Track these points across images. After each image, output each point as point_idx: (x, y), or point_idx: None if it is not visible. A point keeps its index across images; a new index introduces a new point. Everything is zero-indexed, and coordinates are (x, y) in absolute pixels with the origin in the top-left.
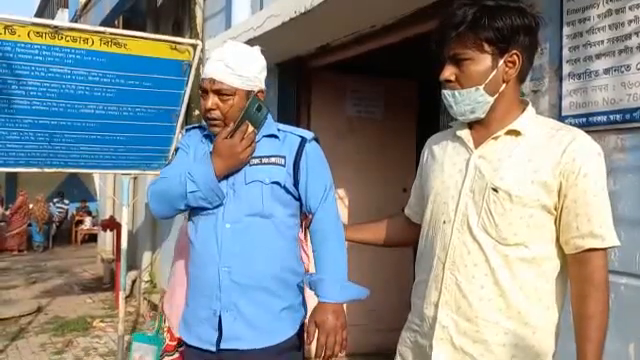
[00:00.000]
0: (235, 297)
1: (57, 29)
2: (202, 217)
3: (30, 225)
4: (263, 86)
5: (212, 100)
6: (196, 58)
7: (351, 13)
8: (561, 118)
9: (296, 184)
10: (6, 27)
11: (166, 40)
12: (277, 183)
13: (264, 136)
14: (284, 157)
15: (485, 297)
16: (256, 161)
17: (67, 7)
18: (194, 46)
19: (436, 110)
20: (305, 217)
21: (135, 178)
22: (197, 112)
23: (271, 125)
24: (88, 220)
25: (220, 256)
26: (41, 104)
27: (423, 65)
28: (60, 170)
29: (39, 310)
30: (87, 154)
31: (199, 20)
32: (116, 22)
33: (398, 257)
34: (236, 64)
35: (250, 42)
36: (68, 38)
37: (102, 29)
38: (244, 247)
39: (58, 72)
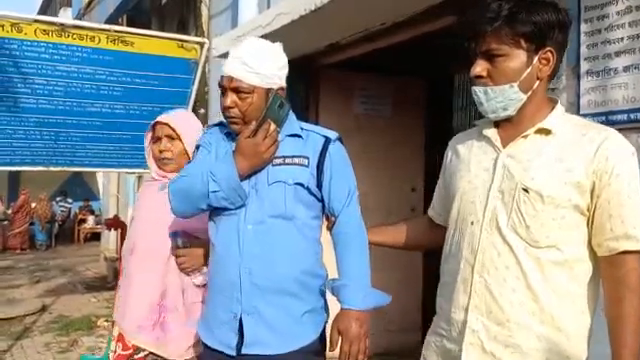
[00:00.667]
0: (256, 300)
1: (64, 27)
2: (223, 217)
3: (33, 224)
4: (284, 83)
5: (230, 98)
6: (203, 56)
7: (361, 10)
8: (580, 116)
9: (319, 185)
10: (13, 25)
11: (173, 38)
12: (300, 184)
13: (287, 135)
14: (308, 158)
15: (517, 301)
16: (279, 161)
17: (70, 6)
18: (201, 44)
19: (445, 109)
20: (327, 219)
21: (140, 177)
22: (202, 111)
23: (294, 124)
24: (91, 219)
25: (241, 257)
26: (47, 102)
27: (432, 63)
28: (66, 169)
29: (43, 309)
30: (93, 153)
31: (205, 18)
32: (120, 21)
33: (408, 258)
34: (254, 61)
35: None
36: (75, 36)
37: (109, 27)
38: (266, 249)
39: (64, 70)
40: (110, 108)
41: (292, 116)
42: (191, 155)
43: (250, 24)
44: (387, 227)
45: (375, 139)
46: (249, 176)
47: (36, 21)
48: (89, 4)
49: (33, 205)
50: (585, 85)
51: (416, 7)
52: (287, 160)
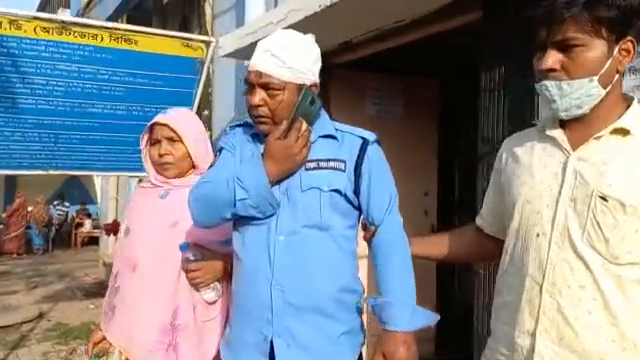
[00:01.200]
0: (288, 320)
1: (65, 24)
2: (251, 228)
3: (29, 228)
4: (317, 79)
5: (259, 95)
6: (209, 56)
7: (377, 7)
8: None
9: (357, 192)
10: (11, 22)
11: (178, 37)
12: (337, 191)
13: (320, 136)
14: (344, 161)
15: (594, 325)
16: (313, 165)
17: (68, 7)
18: (207, 43)
19: (459, 110)
20: (364, 228)
21: (140, 180)
22: (206, 112)
23: (327, 124)
24: (88, 223)
25: (273, 273)
26: (47, 103)
27: (445, 63)
28: (65, 173)
29: (41, 316)
30: (94, 155)
31: (208, 18)
32: (119, 21)
33: (419, 262)
34: (286, 55)
35: None
36: (76, 34)
37: (112, 24)
38: (300, 263)
39: (65, 69)
40: (112, 109)
41: (324, 115)
42: (195, 158)
43: (260, 21)
44: (430, 238)
45: (387, 140)
46: (279, 181)
47: (36, 18)
48: (88, 4)
49: (30, 208)
50: None
51: (436, 3)
52: (321, 164)
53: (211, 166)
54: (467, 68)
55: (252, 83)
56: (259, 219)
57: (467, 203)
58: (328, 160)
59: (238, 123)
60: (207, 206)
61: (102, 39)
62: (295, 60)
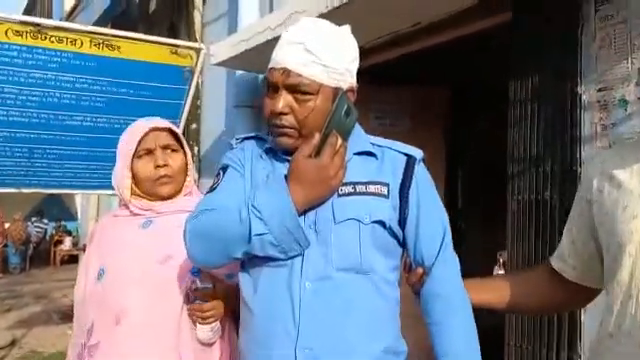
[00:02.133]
0: None
1: (40, 28)
2: (267, 270)
3: (6, 246)
4: (355, 82)
5: (284, 100)
6: (199, 64)
7: (395, 6)
8: None
9: (402, 223)
10: None
11: (165, 43)
12: (380, 223)
13: (355, 153)
14: (387, 185)
15: None
16: (348, 189)
17: (51, 17)
18: (197, 50)
19: (471, 121)
20: (406, 270)
21: None
22: (194, 125)
23: (362, 137)
24: (68, 240)
25: (298, 331)
26: (20, 115)
27: (458, 71)
28: (40, 191)
29: (13, 343)
30: (72, 172)
31: (197, 25)
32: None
33: None
34: (322, 49)
35: (266, 44)
36: (53, 38)
37: (93, 29)
38: (334, 318)
39: (40, 78)
40: (92, 121)
41: (358, 127)
42: (191, 173)
43: (256, 26)
44: (488, 282)
45: None
46: (305, 212)
47: (7, 20)
48: (71, 13)
49: (7, 226)
50: None
51: (459, 4)
52: (359, 188)
53: (212, 189)
54: (481, 76)
55: (275, 84)
56: (279, 260)
57: (472, 214)
58: (367, 183)
59: (247, 135)
60: (211, 243)
61: (82, 45)
62: (332, 57)
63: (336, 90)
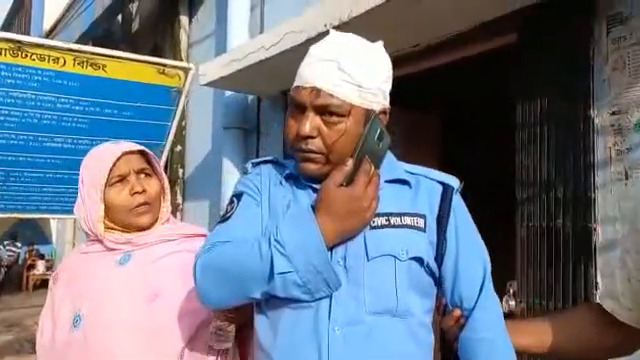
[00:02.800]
0: None
1: (21, 45)
2: (288, 312)
3: None
4: (388, 104)
5: (312, 122)
6: (187, 84)
7: (396, 26)
8: None
9: (438, 260)
10: None
11: (153, 62)
12: (418, 260)
13: (387, 181)
14: (423, 216)
15: None
16: (381, 221)
17: (29, 34)
18: (185, 70)
19: (464, 147)
20: (443, 313)
21: None
22: (179, 148)
23: (394, 164)
24: (41, 264)
25: None
26: None
27: (454, 96)
28: (16, 216)
29: None
30: (51, 196)
31: (184, 45)
32: None
33: None
34: (356, 67)
35: (260, 64)
36: (34, 56)
37: (77, 47)
38: None
39: (20, 97)
40: (73, 143)
41: (389, 152)
42: (167, 198)
43: (248, 46)
44: (527, 324)
45: None
46: (333, 246)
47: None
48: (50, 32)
49: None
50: None
51: (461, 26)
52: (393, 220)
53: (225, 219)
54: (478, 100)
55: (303, 104)
56: (303, 301)
57: None
58: (402, 215)
59: (265, 159)
60: (225, 280)
61: (65, 63)
62: (366, 76)
63: (368, 112)
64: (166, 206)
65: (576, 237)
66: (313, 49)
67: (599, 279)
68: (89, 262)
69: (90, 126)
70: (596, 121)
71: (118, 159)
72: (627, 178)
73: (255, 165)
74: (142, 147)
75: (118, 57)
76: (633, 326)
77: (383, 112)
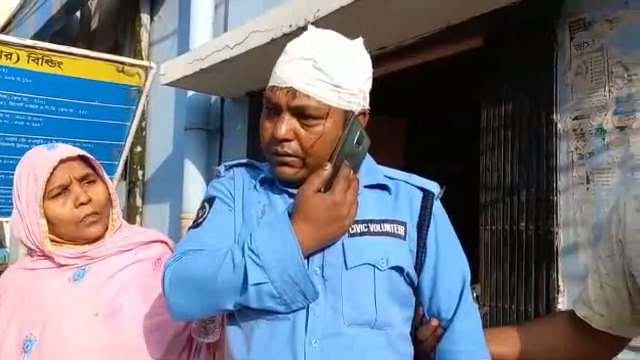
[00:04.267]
0: None
1: None
2: (263, 324)
3: None
4: (367, 104)
5: (288, 124)
6: (148, 83)
7: (362, 28)
8: None
9: (417, 269)
10: None
11: (112, 60)
12: (398, 269)
13: (366, 186)
14: (404, 224)
15: None
16: (360, 228)
17: None
18: (146, 69)
19: (427, 151)
20: (420, 323)
21: None
22: (139, 149)
23: (374, 169)
24: None
25: None
26: None
27: (415, 101)
28: None
29: None
30: (4, 198)
31: (145, 44)
32: None
33: None
34: (334, 68)
35: (222, 65)
36: None
37: (32, 43)
38: None
39: None
40: (27, 143)
41: (368, 156)
42: (115, 204)
43: (211, 45)
44: (503, 332)
45: None
46: (310, 254)
47: None
48: (3, 28)
49: None
50: None
51: (429, 28)
52: (373, 227)
53: (196, 225)
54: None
55: (278, 105)
56: (277, 313)
57: None
58: (382, 222)
59: (239, 162)
60: (196, 291)
61: (18, 59)
62: (345, 76)
63: (347, 113)
64: (116, 212)
65: (538, 240)
66: (290, 46)
67: (560, 282)
68: (37, 280)
69: (45, 125)
70: (559, 126)
71: (55, 168)
72: (588, 182)
73: (228, 168)
74: (81, 151)
75: (75, 54)
76: (607, 332)
77: (362, 113)
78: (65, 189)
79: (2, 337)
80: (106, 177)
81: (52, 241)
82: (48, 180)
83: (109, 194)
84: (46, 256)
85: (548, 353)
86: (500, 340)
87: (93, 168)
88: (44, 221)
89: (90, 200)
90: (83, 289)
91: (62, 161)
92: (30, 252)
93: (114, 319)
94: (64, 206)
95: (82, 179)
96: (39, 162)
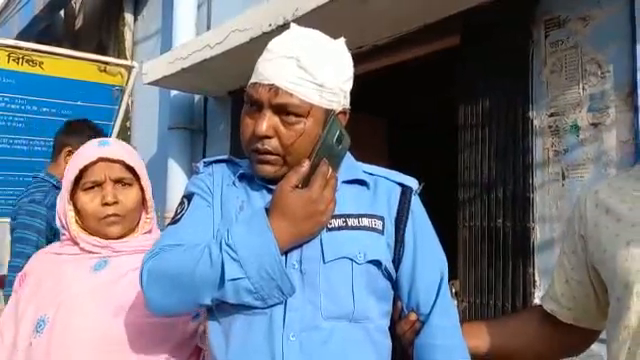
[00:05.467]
0: None
1: None
2: (241, 318)
3: None
4: (347, 103)
5: (269, 121)
6: (130, 83)
7: (338, 29)
8: (638, 158)
9: (396, 262)
10: None
11: (93, 60)
12: (376, 263)
13: (344, 182)
14: (382, 218)
15: None
16: (338, 222)
17: None
18: (128, 68)
19: (406, 150)
20: (399, 317)
21: None
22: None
23: (353, 165)
24: None
25: None
26: None
27: (394, 100)
28: None
29: None
30: None
31: (128, 44)
32: None
33: None
34: (316, 66)
35: (203, 64)
36: None
37: (13, 42)
38: None
39: None
40: (9, 143)
41: (348, 154)
42: (150, 210)
43: (193, 44)
44: (477, 326)
45: None
46: (289, 250)
47: None
48: None
49: None
50: None
51: (404, 28)
52: (351, 221)
53: (174, 221)
54: (420, 102)
55: (260, 102)
56: (255, 308)
57: None
58: (360, 216)
59: (217, 158)
60: (173, 287)
61: None
62: (327, 75)
63: (327, 112)
64: (150, 217)
65: (515, 236)
66: (272, 44)
67: (537, 277)
68: (61, 264)
69: (27, 125)
70: (535, 122)
71: (95, 163)
72: (564, 178)
73: (207, 165)
74: (124, 158)
75: (56, 54)
76: (576, 325)
77: (343, 112)
78: (98, 185)
79: (21, 315)
80: (146, 184)
81: (83, 229)
82: (85, 173)
83: (144, 199)
84: (73, 242)
85: (523, 346)
86: (477, 334)
87: (134, 172)
88: (70, 207)
89: (117, 202)
90: (100, 281)
91: (102, 159)
92: (60, 237)
93: (123, 314)
94: (92, 201)
95: (117, 180)
96: (83, 154)
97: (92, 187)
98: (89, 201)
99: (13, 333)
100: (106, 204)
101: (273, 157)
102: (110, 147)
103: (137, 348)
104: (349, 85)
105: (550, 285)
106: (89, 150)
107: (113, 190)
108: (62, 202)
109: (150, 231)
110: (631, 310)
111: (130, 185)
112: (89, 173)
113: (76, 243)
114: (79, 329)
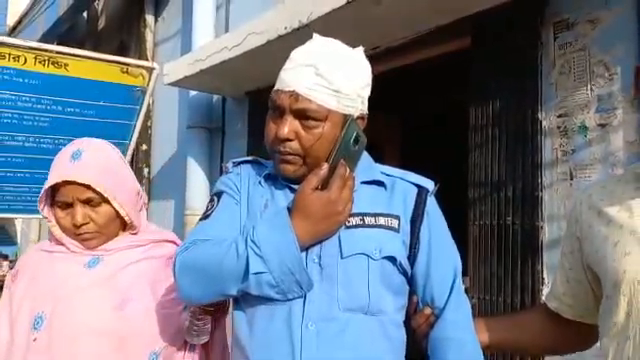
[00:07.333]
0: None
1: None
2: (264, 308)
3: None
4: (366, 110)
5: (290, 125)
6: (152, 84)
7: (354, 30)
8: None
9: (411, 260)
10: None
11: (115, 61)
12: (391, 259)
13: (363, 182)
14: (397, 217)
15: None
16: (356, 220)
17: None
18: (149, 69)
19: (420, 149)
20: (414, 311)
21: None
22: (145, 147)
23: (371, 166)
24: (5, 265)
25: None
26: None
27: (408, 100)
28: None
29: None
30: (12, 196)
31: (149, 45)
32: None
33: None
34: (334, 74)
35: (221, 66)
36: None
37: (38, 45)
38: None
39: None
40: (35, 142)
41: (366, 154)
42: (129, 218)
43: (212, 46)
44: (486, 322)
45: None
46: (309, 246)
47: None
48: (13, 29)
49: None
50: None
51: (418, 29)
52: (368, 220)
53: (205, 217)
54: (434, 102)
55: (282, 107)
56: (277, 299)
57: None
58: (376, 215)
59: (245, 159)
60: (203, 278)
61: (26, 61)
62: (344, 82)
63: (345, 117)
64: (138, 221)
65: (524, 235)
66: (294, 53)
67: (545, 274)
68: (54, 261)
69: (52, 124)
70: (544, 123)
71: (62, 185)
72: (572, 178)
73: (236, 165)
74: (90, 182)
75: (80, 56)
76: (579, 321)
77: (361, 117)
78: (67, 205)
79: (16, 313)
80: (116, 199)
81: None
82: (57, 190)
83: (116, 212)
84: (61, 242)
85: (531, 341)
86: (486, 329)
87: (99, 193)
88: (50, 216)
89: (89, 222)
90: (96, 276)
91: (65, 182)
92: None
93: (123, 308)
94: (65, 218)
95: (85, 201)
96: (55, 169)
97: (61, 206)
98: (63, 217)
99: (8, 330)
100: (76, 226)
101: (294, 158)
102: (80, 163)
103: (138, 340)
104: (367, 92)
105: (553, 284)
106: (60, 165)
107: (83, 210)
108: (42, 211)
109: (136, 233)
110: (619, 307)
111: (100, 204)
112: (59, 192)
113: (63, 243)
114: (79, 324)
